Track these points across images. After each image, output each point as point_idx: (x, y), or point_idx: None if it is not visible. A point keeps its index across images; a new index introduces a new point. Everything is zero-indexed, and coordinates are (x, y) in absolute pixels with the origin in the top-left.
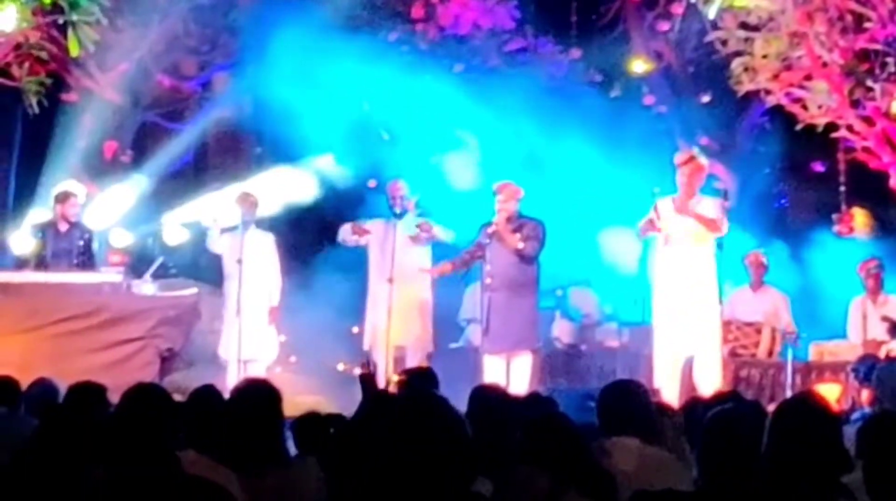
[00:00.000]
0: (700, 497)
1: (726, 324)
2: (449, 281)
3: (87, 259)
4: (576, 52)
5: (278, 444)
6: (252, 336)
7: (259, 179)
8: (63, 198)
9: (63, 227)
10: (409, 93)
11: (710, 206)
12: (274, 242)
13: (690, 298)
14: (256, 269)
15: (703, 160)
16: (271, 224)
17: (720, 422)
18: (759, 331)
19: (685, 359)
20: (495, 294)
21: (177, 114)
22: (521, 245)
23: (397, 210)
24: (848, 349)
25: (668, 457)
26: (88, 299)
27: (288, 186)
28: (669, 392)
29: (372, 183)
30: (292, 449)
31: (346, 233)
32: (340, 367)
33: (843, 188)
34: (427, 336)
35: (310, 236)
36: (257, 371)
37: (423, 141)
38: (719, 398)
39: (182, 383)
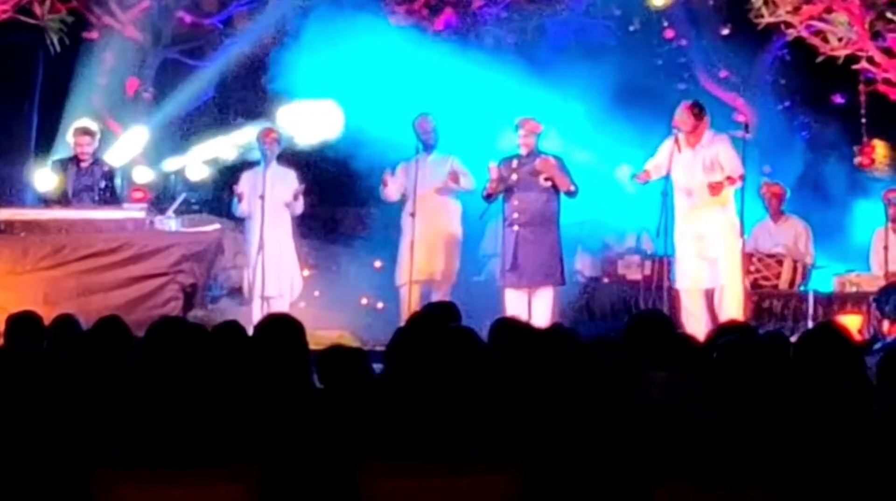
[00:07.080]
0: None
1: (748, 256)
2: (468, 215)
3: (109, 195)
4: None
5: (302, 378)
6: (274, 272)
7: (280, 115)
8: (78, 135)
9: (84, 163)
10: (426, 32)
11: (723, 147)
12: (296, 177)
13: (712, 231)
14: (278, 205)
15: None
16: (293, 160)
17: (732, 351)
18: (780, 263)
19: (708, 292)
20: (522, 229)
21: (198, 51)
22: (572, 187)
23: (421, 146)
24: (870, 281)
25: (696, 387)
26: (112, 235)
27: (310, 120)
28: (692, 325)
29: None
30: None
31: (386, 193)
32: (363, 301)
33: (863, 120)
34: (452, 270)
35: (333, 171)
36: (280, 307)
37: (442, 79)
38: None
39: (205, 318)
